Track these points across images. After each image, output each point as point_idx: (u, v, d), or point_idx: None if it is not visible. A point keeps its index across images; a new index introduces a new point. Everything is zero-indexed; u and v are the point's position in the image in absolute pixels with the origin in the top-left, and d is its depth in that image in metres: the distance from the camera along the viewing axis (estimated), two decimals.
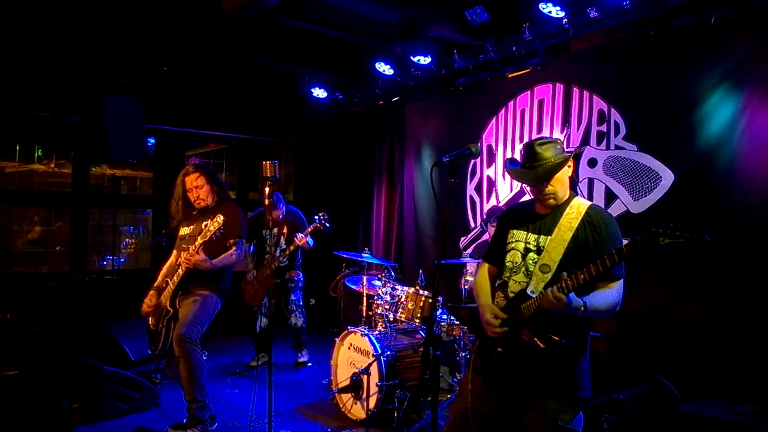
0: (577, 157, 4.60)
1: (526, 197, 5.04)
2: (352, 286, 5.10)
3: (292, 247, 5.10)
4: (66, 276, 6.19)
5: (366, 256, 4.70)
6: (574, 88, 4.83)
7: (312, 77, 6.74)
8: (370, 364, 3.81)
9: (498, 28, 4.93)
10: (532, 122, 5.23)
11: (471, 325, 2.45)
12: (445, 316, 4.07)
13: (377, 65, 5.91)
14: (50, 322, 5.41)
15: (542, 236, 2.25)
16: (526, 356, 2.15)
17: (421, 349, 3.94)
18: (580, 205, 2.25)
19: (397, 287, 4.32)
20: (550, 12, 4.40)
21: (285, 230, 5.31)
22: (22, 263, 6.26)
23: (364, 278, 4.83)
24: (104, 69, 5.70)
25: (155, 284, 3.88)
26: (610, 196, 4.51)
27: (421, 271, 4.44)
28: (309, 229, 5.04)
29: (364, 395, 3.81)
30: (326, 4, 4.88)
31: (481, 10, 4.71)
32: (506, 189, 5.47)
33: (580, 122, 4.78)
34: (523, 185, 5.09)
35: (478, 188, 5.75)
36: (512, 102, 5.42)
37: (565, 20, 4.42)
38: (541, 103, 5.14)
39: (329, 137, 7.69)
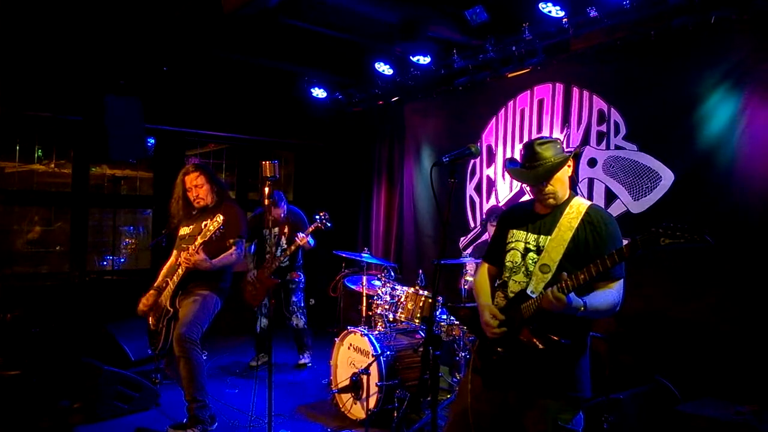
0: (576, 157, 4.60)
1: (526, 197, 5.03)
2: (352, 286, 5.10)
3: (293, 247, 5.09)
4: (66, 276, 6.19)
5: (365, 256, 4.69)
6: (574, 88, 4.83)
7: (312, 77, 6.74)
8: (369, 364, 3.81)
9: (497, 28, 4.93)
10: (531, 122, 5.23)
11: (471, 325, 2.45)
12: (444, 316, 4.07)
13: (377, 65, 5.91)
14: (50, 322, 5.41)
15: (542, 236, 2.25)
16: (526, 356, 2.15)
17: (421, 349, 3.94)
18: (580, 205, 2.25)
19: (396, 287, 4.32)
20: (549, 12, 4.40)
21: (286, 230, 5.31)
22: (23, 263, 6.27)
23: (364, 278, 4.83)
24: (104, 69, 5.70)
25: (155, 284, 3.88)
26: (610, 196, 4.51)
27: (420, 271, 4.45)
28: (310, 229, 5.04)
29: (364, 395, 3.81)
30: (326, 4, 4.88)
31: (480, 10, 4.71)
32: (506, 189, 5.47)
33: (579, 122, 4.78)
34: (523, 185, 5.09)
35: (478, 188, 5.75)
36: (512, 102, 5.42)
37: (565, 20, 4.41)
38: (540, 102, 5.14)
39: (329, 137, 7.69)
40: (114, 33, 5.31)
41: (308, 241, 5.07)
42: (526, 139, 5.22)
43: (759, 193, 3.67)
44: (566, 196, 2.29)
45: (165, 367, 4.68)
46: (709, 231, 1.75)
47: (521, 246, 2.29)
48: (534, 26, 4.66)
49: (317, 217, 5.03)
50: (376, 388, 3.79)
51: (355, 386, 3.89)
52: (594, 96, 4.68)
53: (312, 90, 6.78)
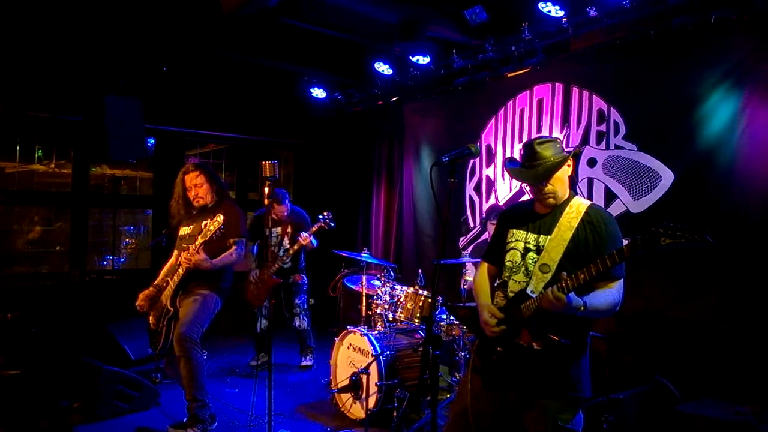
0: (576, 157, 4.59)
1: (526, 197, 5.03)
2: (352, 286, 5.10)
3: (296, 247, 5.08)
4: (66, 276, 6.19)
5: (365, 256, 4.69)
6: (574, 88, 4.83)
7: (311, 77, 6.74)
8: (369, 364, 3.81)
9: (497, 28, 4.93)
10: (531, 122, 5.23)
11: (470, 325, 2.45)
12: (444, 316, 4.07)
13: (376, 65, 5.91)
14: (50, 321, 5.41)
15: (542, 236, 2.25)
16: (526, 356, 2.15)
17: (421, 349, 3.94)
18: (579, 205, 2.25)
19: (396, 287, 4.32)
20: (549, 11, 4.40)
21: (289, 229, 5.31)
22: (23, 263, 6.27)
23: (364, 278, 4.83)
24: (104, 69, 5.70)
25: (155, 282, 3.89)
26: (610, 196, 4.51)
27: (420, 270, 4.45)
28: (313, 229, 5.03)
29: (364, 395, 3.81)
30: (326, 4, 4.88)
31: (480, 10, 4.71)
32: (505, 189, 5.47)
33: (579, 122, 4.78)
34: (523, 185, 5.09)
35: (477, 188, 5.75)
36: (511, 102, 5.42)
37: (565, 19, 4.41)
38: (540, 102, 5.14)
39: (329, 137, 7.69)
40: (114, 33, 5.31)
41: (311, 241, 5.06)
42: (525, 139, 5.22)
43: (759, 193, 3.67)
44: (566, 196, 2.29)
45: (165, 366, 4.66)
46: (709, 231, 1.75)
47: (521, 246, 2.29)
48: (533, 26, 4.66)
49: (321, 217, 5.03)
50: (376, 388, 3.79)
51: (355, 386, 3.89)
52: (594, 96, 4.68)
53: (312, 90, 6.78)
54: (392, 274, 4.49)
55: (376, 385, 3.78)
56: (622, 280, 2.16)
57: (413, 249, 6.50)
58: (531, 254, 2.25)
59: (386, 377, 3.85)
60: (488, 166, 5.67)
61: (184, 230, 3.93)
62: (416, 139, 6.52)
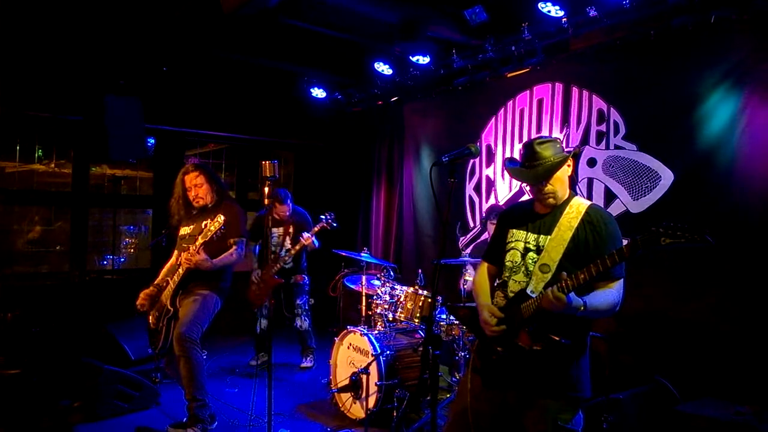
0: (576, 157, 4.59)
1: (526, 197, 5.03)
2: (352, 286, 5.10)
3: (297, 247, 5.08)
4: (66, 275, 6.19)
5: (365, 256, 4.69)
6: (574, 88, 4.83)
7: (311, 77, 6.74)
8: (369, 364, 3.81)
9: (497, 28, 4.93)
10: (531, 122, 5.23)
11: (470, 325, 2.45)
12: (444, 316, 4.07)
13: (376, 65, 5.91)
14: (50, 321, 5.41)
15: (542, 236, 2.25)
16: (526, 356, 2.15)
17: (421, 349, 3.94)
18: (579, 205, 2.25)
19: (396, 287, 4.32)
20: (549, 11, 4.40)
21: (291, 230, 5.31)
22: (23, 263, 6.27)
23: (364, 278, 4.83)
24: (104, 69, 5.70)
25: (155, 281, 3.89)
26: (610, 196, 4.51)
27: (420, 270, 4.45)
28: (315, 229, 5.03)
29: (364, 395, 3.82)
30: (326, 4, 4.88)
31: (480, 10, 4.71)
32: (505, 189, 5.47)
33: (579, 122, 4.78)
34: (523, 185, 5.09)
35: (477, 188, 5.75)
36: (511, 102, 5.42)
37: (565, 20, 4.41)
38: (540, 102, 5.15)
39: (329, 137, 7.69)
40: (114, 33, 5.31)
41: (313, 241, 5.06)
42: (525, 138, 5.22)
43: (759, 193, 3.67)
44: (566, 196, 2.29)
45: (165, 366, 4.67)
46: (709, 231, 1.75)
47: (521, 246, 2.29)
48: (533, 26, 4.66)
49: (323, 217, 5.03)
50: (376, 388, 3.79)
51: (355, 386, 3.90)
52: (593, 96, 4.68)
53: (312, 90, 6.78)
54: (392, 273, 4.49)
55: (376, 384, 3.79)
56: (622, 280, 2.16)
57: (413, 249, 6.50)
58: (531, 254, 2.25)
59: (386, 377, 3.85)
60: (488, 166, 5.67)
61: (184, 230, 3.93)
62: (416, 139, 6.52)
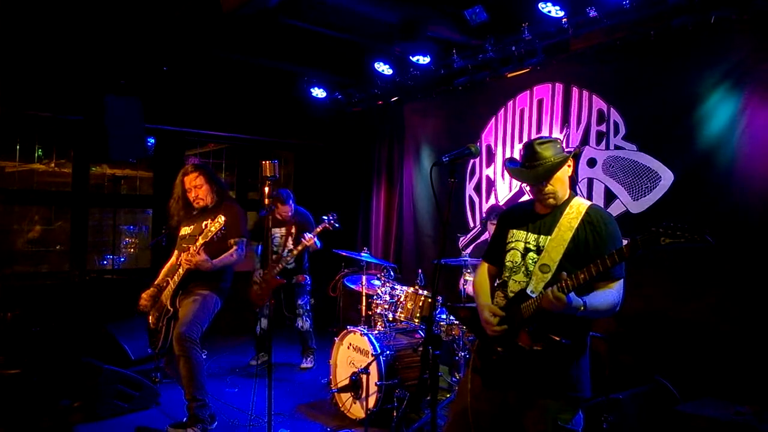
0: (576, 157, 4.60)
1: (526, 197, 5.04)
2: (352, 286, 5.10)
3: (300, 247, 5.08)
4: (66, 275, 6.19)
5: (365, 256, 4.70)
6: (574, 88, 4.84)
7: (311, 77, 6.74)
8: (369, 364, 3.81)
9: (497, 28, 4.93)
10: (531, 122, 5.23)
11: (470, 325, 2.45)
12: (444, 316, 4.07)
13: (376, 65, 5.91)
14: (51, 321, 5.41)
15: (542, 236, 2.25)
16: (526, 356, 2.15)
17: (421, 349, 3.94)
18: (580, 205, 2.25)
19: (396, 287, 4.32)
20: (549, 11, 4.40)
21: (293, 230, 5.31)
22: (23, 262, 6.27)
23: (364, 278, 4.83)
24: (104, 69, 5.70)
25: (155, 282, 3.89)
26: (610, 196, 4.51)
27: (420, 270, 4.45)
28: (318, 229, 5.03)
29: (364, 395, 3.82)
30: (326, 4, 4.88)
31: (480, 10, 4.71)
32: (505, 189, 5.48)
33: (579, 122, 4.78)
34: (523, 185, 5.09)
35: (477, 188, 5.75)
36: (511, 102, 5.42)
37: (565, 20, 4.42)
38: (540, 102, 5.15)
39: (329, 137, 7.70)
40: (114, 33, 5.31)
41: (315, 242, 5.06)
42: (525, 139, 5.22)
43: (759, 193, 3.67)
44: (566, 196, 2.29)
45: (165, 365, 4.68)
46: (709, 231, 1.75)
47: (521, 246, 2.29)
48: (533, 26, 4.66)
49: (325, 218, 5.03)
50: (376, 388, 3.79)
51: (355, 386, 3.90)
52: (593, 96, 4.68)
53: (312, 90, 6.78)
54: (392, 273, 4.49)
55: (376, 384, 3.79)
56: (622, 280, 2.16)
57: (413, 249, 6.50)
58: (531, 254, 2.25)
59: (386, 377, 3.85)
60: (488, 166, 5.67)
61: (184, 230, 3.93)
62: (416, 139, 6.53)
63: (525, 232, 2.31)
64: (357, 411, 3.98)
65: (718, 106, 3.89)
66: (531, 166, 2.24)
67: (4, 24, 4.81)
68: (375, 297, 4.44)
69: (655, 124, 4.24)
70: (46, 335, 5.16)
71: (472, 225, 5.80)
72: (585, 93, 4.75)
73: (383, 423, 3.84)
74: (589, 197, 4.56)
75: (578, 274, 2.01)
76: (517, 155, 5.21)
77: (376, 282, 4.56)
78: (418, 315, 4.08)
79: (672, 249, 1.81)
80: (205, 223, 3.61)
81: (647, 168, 4.26)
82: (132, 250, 7.35)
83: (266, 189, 3.23)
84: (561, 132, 4.92)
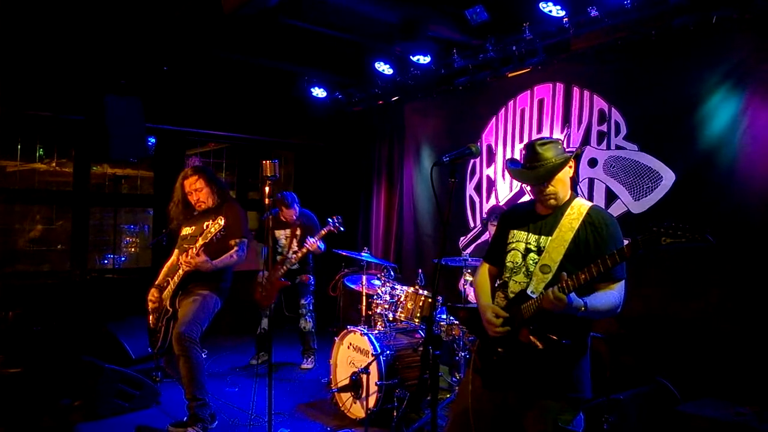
0: (577, 158, 4.60)
1: (526, 197, 5.03)
2: (352, 286, 5.10)
3: (303, 251, 5.09)
4: (67, 274, 6.20)
5: (365, 256, 4.69)
6: (575, 88, 4.83)
7: (312, 77, 6.74)
8: (369, 364, 3.81)
9: (498, 28, 4.93)
10: (532, 122, 5.23)
11: (471, 326, 2.45)
12: (444, 316, 4.07)
13: (377, 65, 5.91)
14: (51, 320, 5.41)
15: (543, 237, 2.24)
16: (526, 357, 2.15)
17: (421, 349, 3.94)
18: (581, 206, 2.25)
19: (396, 287, 4.32)
20: (550, 11, 4.40)
21: (298, 232, 5.32)
22: (24, 261, 6.27)
23: (364, 278, 4.83)
24: (105, 69, 5.70)
25: (156, 282, 3.89)
26: (611, 196, 4.51)
27: (420, 270, 4.45)
28: (322, 233, 5.04)
29: (364, 394, 3.82)
30: (326, 3, 4.88)
31: (480, 10, 4.70)
32: (506, 189, 5.47)
33: (580, 122, 4.78)
34: (524, 185, 5.09)
35: (478, 188, 5.75)
36: (512, 101, 5.42)
37: (566, 19, 4.41)
38: (541, 102, 5.14)
39: (329, 137, 7.70)
40: (114, 33, 5.31)
41: (318, 246, 5.07)
42: (526, 139, 5.22)
43: (760, 193, 3.67)
44: (567, 197, 2.29)
45: (165, 365, 4.69)
46: (710, 231, 1.75)
47: (522, 246, 2.29)
48: (534, 26, 4.65)
49: (330, 220, 5.03)
50: (376, 388, 3.79)
51: (355, 385, 3.90)
52: (594, 96, 4.68)
53: (312, 90, 6.78)
54: (392, 273, 4.49)
55: (376, 384, 3.79)
56: (623, 282, 2.16)
57: (413, 249, 6.50)
58: (532, 255, 2.25)
59: (386, 377, 3.85)
60: (489, 166, 5.67)
61: (185, 230, 3.93)
62: (416, 139, 6.52)
63: (526, 233, 2.30)
64: (357, 411, 3.98)
65: (719, 106, 3.88)
66: (532, 167, 2.23)
67: (4, 24, 4.81)
68: (375, 297, 4.44)
69: (656, 124, 4.23)
70: (47, 334, 5.16)
71: (472, 225, 5.80)
72: (586, 93, 4.75)
73: (383, 423, 3.84)
74: (590, 197, 4.56)
75: (579, 275, 2.01)
76: (517, 155, 5.21)
77: (377, 282, 4.56)
78: (418, 315, 4.08)
79: (673, 249, 1.81)
80: (205, 223, 3.61)
81: (648, 168, 4.25)
82: (133, 249, 7.36)
83: (266, 189, 3.23)
84: (562, 132, 4.91)
